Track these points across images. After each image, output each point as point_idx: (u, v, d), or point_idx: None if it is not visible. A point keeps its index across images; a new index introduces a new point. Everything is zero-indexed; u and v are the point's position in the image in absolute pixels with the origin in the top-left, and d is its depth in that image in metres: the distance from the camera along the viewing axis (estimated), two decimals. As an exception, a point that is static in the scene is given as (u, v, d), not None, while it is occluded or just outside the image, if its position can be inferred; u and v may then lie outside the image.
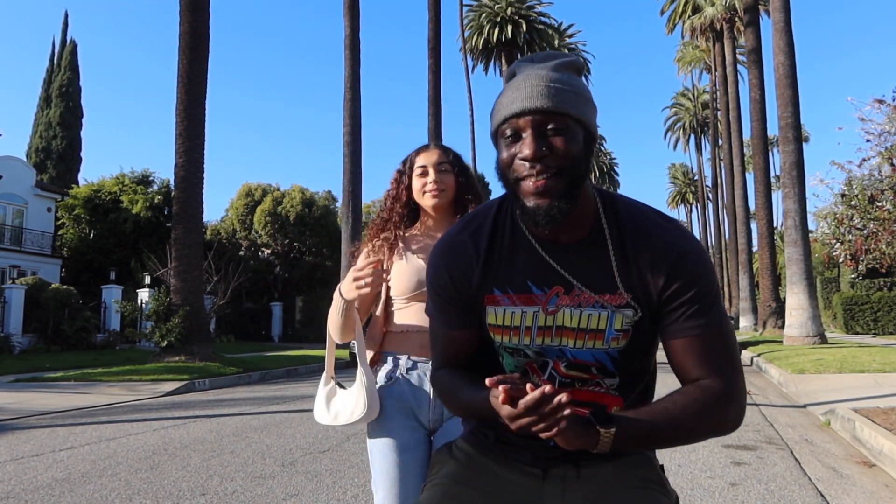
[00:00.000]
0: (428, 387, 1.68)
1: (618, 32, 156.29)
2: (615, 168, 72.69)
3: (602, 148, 70.41)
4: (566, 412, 0.93)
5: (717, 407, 1.06)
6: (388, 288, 1.81)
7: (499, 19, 42.59)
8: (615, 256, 1.09)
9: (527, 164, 1.01)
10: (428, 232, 1.84)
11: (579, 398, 1.11)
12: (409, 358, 1.74)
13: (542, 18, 44.78)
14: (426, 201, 1.80)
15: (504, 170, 1.05)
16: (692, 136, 64.41)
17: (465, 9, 38.64)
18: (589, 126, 1.05)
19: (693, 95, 61.79)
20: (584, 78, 1.12)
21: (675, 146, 71.05)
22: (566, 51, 49.28)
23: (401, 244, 1.82)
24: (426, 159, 1.82)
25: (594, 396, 1.15)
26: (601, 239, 1.10)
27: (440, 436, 1.66)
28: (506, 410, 0.95)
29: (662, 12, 42.53)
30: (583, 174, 1.05)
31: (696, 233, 71.89)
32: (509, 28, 42.28)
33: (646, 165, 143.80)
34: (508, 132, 1.04)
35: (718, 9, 36.19)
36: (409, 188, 1.85)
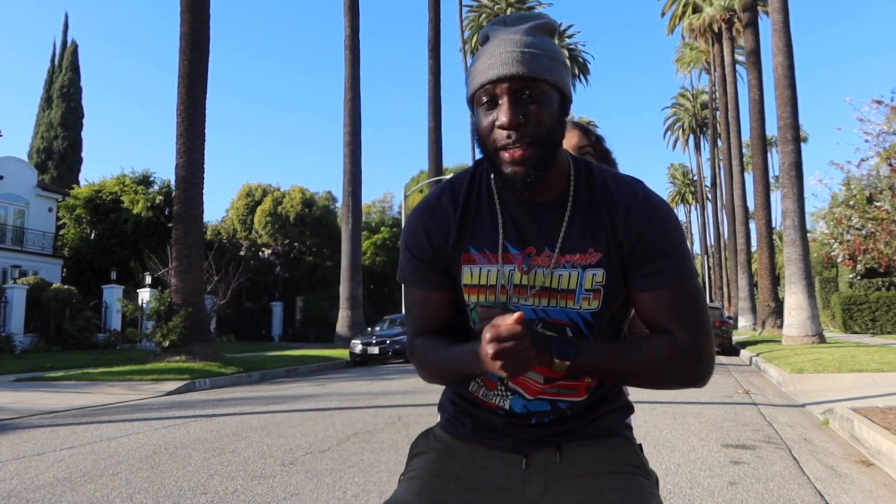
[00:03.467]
0: None
1: (618, 33, 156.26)
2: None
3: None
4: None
5: (682, 360, 1.08)
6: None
7: (499, 19, 42.63)
8: (585, 216, 1.11)
9: (504, 132, 1.03)
10: None
11: (556, 374, 1.13)
12: None
13: (542, 19, 44.83)
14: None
15: (483, 137, 1.06)
16: (691, 137, 64.41)
17: (464, 9, 38.66)
18: (564, 89, 1.07)
19: (692, 96, 61.80)
20: (558, 40, 1.13)
21: (674, 146, 71.17)
22: (566, 52, 49.50)
23: None
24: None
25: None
26: (574, 199, 1.12)
27: None
28: (489, 333, 0.99)
29: (663, 13, 42.57)
30: (558, 141, 1.07)
31: (696, 233, 71.79)
32: (509, 28, 42.32)
33: (646, 166, 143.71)
34: (485, 98, 1.04)
35: (717, 9, 36.20)
36: None
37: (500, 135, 1.03)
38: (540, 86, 1.03)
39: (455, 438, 1.22)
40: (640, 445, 1.24)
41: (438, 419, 1.32)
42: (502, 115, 1.02)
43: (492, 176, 1.14)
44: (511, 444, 1.17)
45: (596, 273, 1.09)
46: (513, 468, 1.16)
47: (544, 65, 1.03)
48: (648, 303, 1.10)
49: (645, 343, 1.09)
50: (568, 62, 1.10)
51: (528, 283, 1.11)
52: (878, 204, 11.15)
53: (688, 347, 1.08)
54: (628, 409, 1.25)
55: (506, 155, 1.03)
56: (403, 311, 23.38)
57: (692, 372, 1.09)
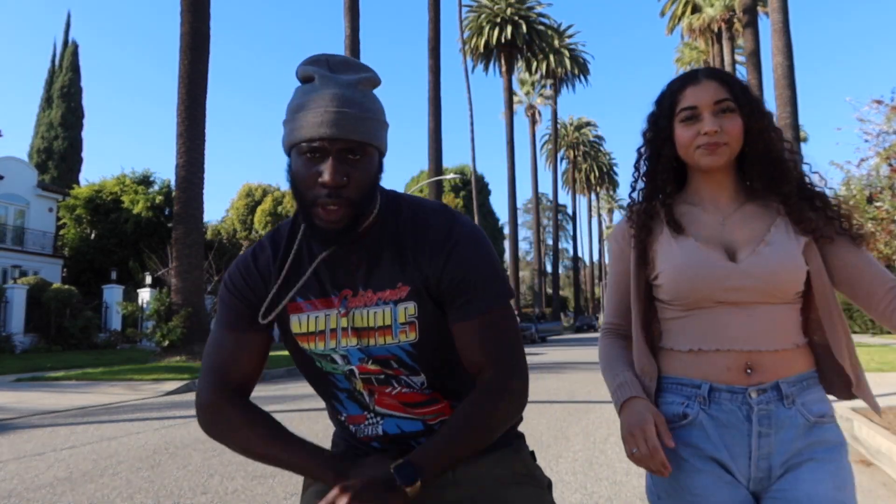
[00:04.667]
0: (748, 425, 1.21)
1: (618, 33, 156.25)
2: (614, 168, 72.67)
3: (601, 148, 70.35)
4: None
5: (500, 404, 1.09)
6: (650, 287, 1.32)
7: (498, 20, 42.63)
8: (391, 252, 1.13)
9: (325, 189, 1.03)
10: (703, 203, 1.32)
11: (410, 400, 1.15)
12: (710, 386, 1.23)
13: (542, 19, 44.85)
14: (699, 159, 1.26)
15: (302, 188, 1.06)
16: (692, 137, 64.31)
17: (464, 10, 38.68)
18: (383, 149, 1.11)
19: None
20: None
21: (675, 146, 70.67)
22: (566, 52, 49.59)
23: (665, 224, 1.31)
24: (697, 97, 1.26)
25: (411, 397, 1.16)
26: (381, 238, 1.14)
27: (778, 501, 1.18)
28: None
29: (663, 13, 42.54)
30: (373, 199, 1.10)
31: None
32: (509, 29, 42.30)
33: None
34: (309, 151, 1.04)
35: (718, 9, 36.20)
36: (669, 140, 1.30)
37: (321, 191, 1.04)
38: (366, 149, 1.06)
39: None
40: (532, 452, 1.26)
41: None
42: (326, 173, 1.02)
43: (305, 226, 1.14)
44: None
45: (408, 306, 1.11)
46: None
47: (372, 129, 1.06)
48: (460, 336, 1.11)
49: (466, 411, 1.08)
50: (387, 119, 1.13)
51: (348, 325, 1.12)
52: (877, 204, 11.13)
53: (501, 390, 1.09)
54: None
55: (321, 211, 1.04)
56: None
57: (512, 409, 1.11)
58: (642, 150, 1.38)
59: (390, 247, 1.13)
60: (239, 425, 1.13)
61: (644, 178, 1.37)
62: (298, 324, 1.16)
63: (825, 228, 1.25)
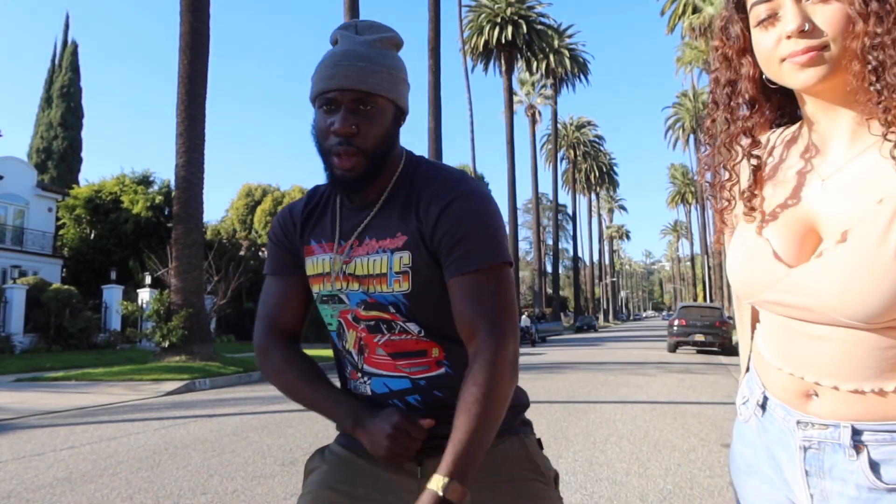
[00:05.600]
0: (801, 454, 0.88)
1: (618, 32, 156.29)
2: (614, 168, 72.75)
3: (602, 148, 70.37)
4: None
5: (501, 374, 1.06)
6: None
7: (498, 20, 42.62)
8: (399, 207, 1.17)
9: (337, 138, 1.10)
10: (808, 150, 0.89)
11: (400, 348, 1.16)
12: (764, 394, 0.95)
13: (542, 19, 44.83)
14: (788, 77, 0.84)
15: (320, 138, 1.14)
16: (692, 136, 64.38)
17: (464, 9, 38.65)
18: (400, 103, 1.15)
19: (693, 95, 61.77)
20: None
21: (674, 146, 71.02)
22: (566, 52, 49.57)
23: (767, 165, 0.94)
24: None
25: (403, 345, 1.16)
26: (396, 193, 1.19)
27: None
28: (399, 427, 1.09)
29: (663, 13, 42.52)
30: (388, 151, 1.15)
31: (696, 233, 71.73)
32: (509, 29, 42.30)
33: (646, 166, 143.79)
34: (325, 103, 1.12)
35: (717, 8, 36.20)
36: (747, 53, 0.91)
37: (334, 140, 1.11)
38: (376, 100, 1.11)
39: (348, 450, 1.21)
40: (538, 441, 1.23)
41: None
42: (337, 122, 1.10)
43: (327, 174, 1.23)
44: None
45: (403, 255, 1.14)
46: (408, 477, 1.15)
47: (383, 80, 1.11)
48: (453, 292, 1.10)
49: (473, 394, 1.04)
50: (408, 77, 1.18)
51: (351, 271, 1.18)
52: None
53: (492, 361, 1.05)
54: (519, 406, 1.21)
55: (336, 160, 1.11)
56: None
57: (507, 379, 1.07)
58: (712, 69, 0.96)
59: (398, 203, 1.17)
60: (280, 368, 1.22)
61: (727, 105, 0.94)
62: (312, 265, 1.23)
63: None
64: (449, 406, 1.09)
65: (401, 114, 1.17)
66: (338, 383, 1.25)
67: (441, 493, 0.97)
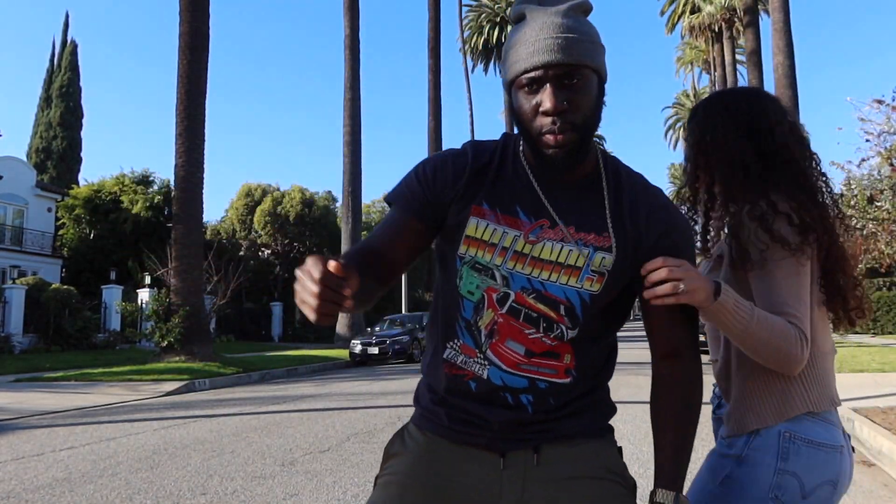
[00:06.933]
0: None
1: (618, 32, 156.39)
2: (615, 168, 72.62)
3: (602, 148, 70.29)
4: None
5: (700, 390, 1.16)
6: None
7: (498, 20, 42.60)
8: (609, 201, 1.13)
9: (548, 118, 1.04)
10: None
11: (540, 348, 1.11)
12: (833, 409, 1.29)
13: (542, 18, 44.84)
14: None
15: (525, 121, 1.07)
16: (692, 136, 64.31)
17: (464, 9, 38.67)
18: (602, 72, 1.09)
19: (693, 96, 61.75)
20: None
21: (675, 146, 70.98)
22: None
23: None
24: None
25: (541, 346, 1.12)
26: (598, 183, 1.14)
27: None
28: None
29: (662, 13, 42.56)
30: (596, 124, 1.10)
31: (696, 233, 71.32)
32: (509, 28, 42.29)
33: (646, 166, 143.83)
34: (527, 83, 1.05)
35: (717, 7, 36.18)
36: None
37: (545, 120, 1.04)
38: (582, 71, 1.05)
39: (430, 435, 1.18)
40: (620, 448, 1.21)
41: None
42: (546, 101, 1.03)
43: (521, 150, 1.16)
44: (488, 440, 1.13)
45: (606, 256, 1.10)
46: (490, 469, 1.13)
47: (586, 50, 1.05)
48: (659, 311, 1.12)
49: (681, 403, 1.16)
50: (602, 42, 1.11)
51: (529, 252, 1.11)
52: (878, 204, 11.13)
53: (696, 378, 1.16)
54: (611, 408, 1.22)
55: (550, 139, 1.05)
56: (403, 311, 23.36)
57: (702, 400, 1.16)
58: None
59: (609, 195, 1.13)
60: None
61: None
62: (476, 227, 1.12)
63: None
64: (554, 411, 1.13)
65: (602, 83, 1.11)
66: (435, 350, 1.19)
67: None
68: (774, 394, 1.25)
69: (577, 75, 1.04)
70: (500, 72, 1.15)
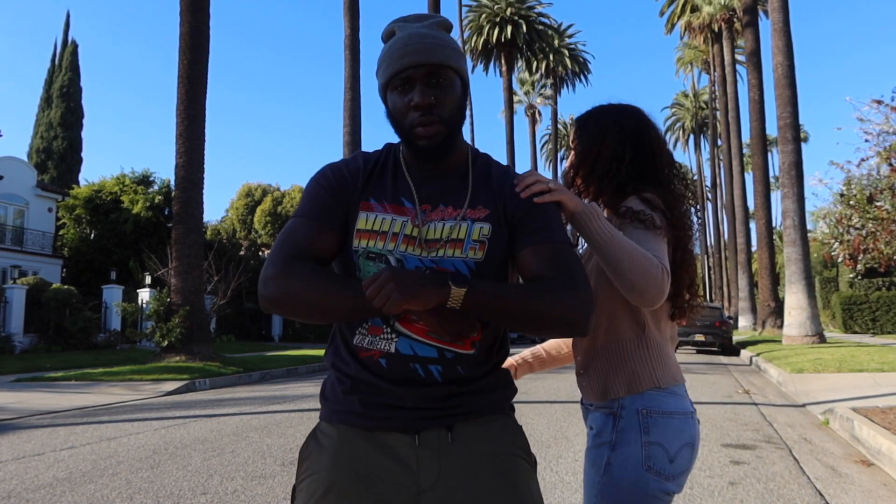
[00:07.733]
0: None
1: (617, 33, 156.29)
2: (615, 168, 72.55)
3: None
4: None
5: (565, 296, 1.15)
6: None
7: (498, 20, 42.58)
8: (478, 183, 1.27)
9: (418, 112, 1.19)
10: None
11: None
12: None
13: (542, 19, 44.80)
14: None
15: (398, 117, 1.22)
16: (692, 137, 64.37)
17: (464, 9, 38.64)
18: (463, 75, 1.26)
19: (692, 96, 61.74)
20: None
21: (674, 146, 71.02)
22: (566, 52, 49.47)
23: None
24: None
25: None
26: (469, 170, 1.29)
27: None
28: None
29: (662, 13, 42.52)
30: (461, 119, 1.26)
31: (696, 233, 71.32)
32: (509, 29, 42.26)
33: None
34: (400, 83, 1.21)
35: (716, 7, 36.17)
36: None
37: (415, 115, 1.19)
38: (446, 72, 1.21)
39: (343, 427, 1.21)
40: (521, 427, 1.30)
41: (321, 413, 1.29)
42: (416, 96, 1.19)
43: (400, 150, 1.31)
44: (402, 421, 1.17)
45: (483, 226, 1.23)
46: (406, 450, 1.16)
47: (448, 55, 1.22)
48: (529, 257, 1.21)
49: (531, 284, 1.19)
50: (464, 54, 1.25)
51: (417, 235, 1.22)
52: (878, 203, 11.16)
53: (568, 289, 1.16)
54: (513, 388, 1.31)
55: (421, 131, 1.20)
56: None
57: (572, 307, 1.14)
58: None
59: (478, 180, 1.28)
60: (310, 277, 1.16)
61: None
62: (365, 220, 1.24)
63: None
64: (465, 381, 1.19)
65: (465, 86, 1.27)
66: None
67: (452, 284, 1.09)
68: (625, 371, 1.45)
69: (442, 75, 1.21)
70: (376, 75, 1.30)
